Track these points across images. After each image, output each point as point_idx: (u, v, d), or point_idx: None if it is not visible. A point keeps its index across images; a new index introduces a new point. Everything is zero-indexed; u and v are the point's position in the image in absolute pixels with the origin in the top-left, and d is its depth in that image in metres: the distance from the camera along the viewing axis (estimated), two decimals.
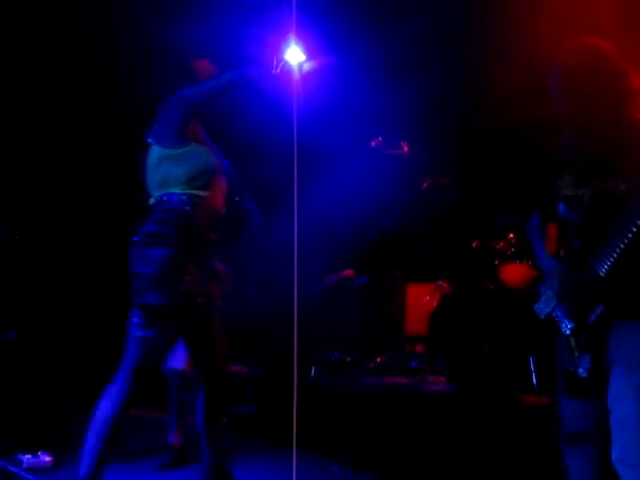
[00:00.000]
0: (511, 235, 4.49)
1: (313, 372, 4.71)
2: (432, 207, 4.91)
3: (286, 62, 2.63)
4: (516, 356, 4.01)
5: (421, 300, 4.86)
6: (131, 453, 3.68)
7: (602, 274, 1.93)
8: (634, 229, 1.86)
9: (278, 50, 2.63)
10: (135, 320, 2.51)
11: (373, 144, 4.47)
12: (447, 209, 4.96)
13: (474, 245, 4.66)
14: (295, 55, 2.64)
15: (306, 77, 2.66)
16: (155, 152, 2.60)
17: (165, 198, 2.53)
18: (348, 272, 4.99)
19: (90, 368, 4.67)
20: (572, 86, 1.99)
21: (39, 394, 4.60)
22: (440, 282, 4.79)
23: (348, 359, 4.78)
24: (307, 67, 2.69)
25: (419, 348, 4.97)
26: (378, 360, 4.76)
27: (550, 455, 2.64)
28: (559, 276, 2.08)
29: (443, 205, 4.92)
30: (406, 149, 4.58)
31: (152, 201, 2.59)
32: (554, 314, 2.11)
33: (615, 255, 1.90)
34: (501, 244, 4.48)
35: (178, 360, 3.59)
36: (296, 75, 2.63)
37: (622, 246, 1.89)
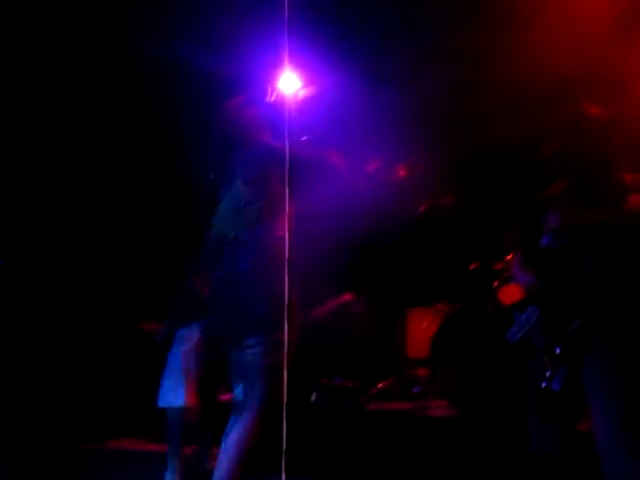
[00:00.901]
0: (509, 257, 4.49)
1: (314, 397, 4.67)
2: (430, 230, 4.93)
3: (280, 90, 2.67)
4: (518, 378, 3.98)
5: (422, 324, 4.84)
6: None
7: (579, 290, 2.08)
8: (606, 255, 2.07)
9: (272, 78, 2.68)
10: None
11: (370, 169, 4.50)
12: (445, 231, 4.97)
13: (473, 267, 4.67)
14: (290, 83, 2.69)
15: (301, 104, 2.70)
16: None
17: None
18: (347, 296, 4.98)
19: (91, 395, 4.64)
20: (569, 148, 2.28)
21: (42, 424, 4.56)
22: (440, 305, 4.78)
23: (350, 384, 4.75)
24: (302, 94, 2.73)
25: (421, 372, 4.94)
26: (380, 385, 4.73)
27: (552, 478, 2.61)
28: (543, 294, 2.19)
29: (441, 227, 4.93)
30: (403, 173, 4.61)
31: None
32: (529, 334, 2.20)
33: (592, 276, 2.07)
34: (500, 265, 4.49)
35: (178, 397, 3.55)
36: (290, 102, 2.67)
37: (597, 269, 2.07)
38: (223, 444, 2.40)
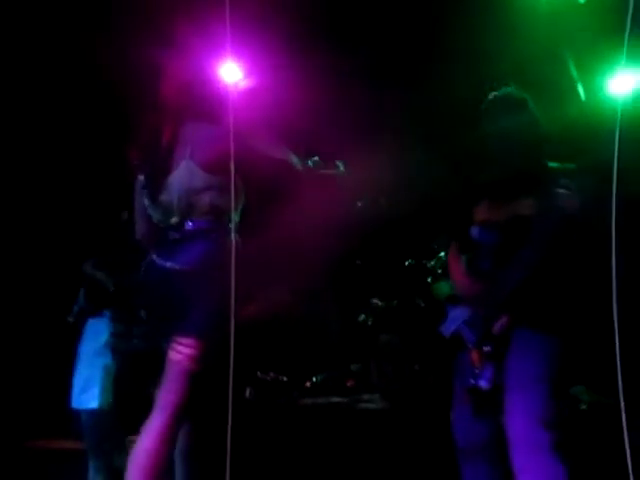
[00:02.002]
0: (442, 254, 4.60)
1: (248, 393, 4.64)
2: (366, 226, 4.97)
3: (221, 80, 2.61)
4: (449, 372, 4.08)
5: (356, 318, 4.90)
6: None
7: (509, 285, 2.11)
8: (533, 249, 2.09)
9: (213, 67, 2.62)
10: None
11: (309, 163, 4.49)
12: (381, 229, 5.04)
13: (406, 264, 4.76)
14: (231, 73, 2.63)
15: (242, 95, 2.65)
16: None
17: None
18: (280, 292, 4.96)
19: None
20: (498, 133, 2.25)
21: None
22: (375, 300, 4.85)
23: (284, 379, 4.75)
24: (243, 85, 2.68)
25: (354, 367, 5.00)
26: (314, 379, 4.75)
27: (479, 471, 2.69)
28: (472, 292, 2.22)
29: (377, 225, 4.99)
30: (342, 169, 4.63)
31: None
32: (460, 330, 2.22)
33: (520, 271, 2.10)
34: (433, 262, 4.59)
35: (91, 398, 3.28)
36: (232, 93, 2.61)
37: (525, 264, 2.10)
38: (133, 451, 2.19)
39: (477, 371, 2.12)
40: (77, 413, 3.40)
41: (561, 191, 2.12)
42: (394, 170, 4.77)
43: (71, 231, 4.74)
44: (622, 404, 1.62)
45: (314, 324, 5.11)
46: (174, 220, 2.30)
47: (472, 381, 2.13)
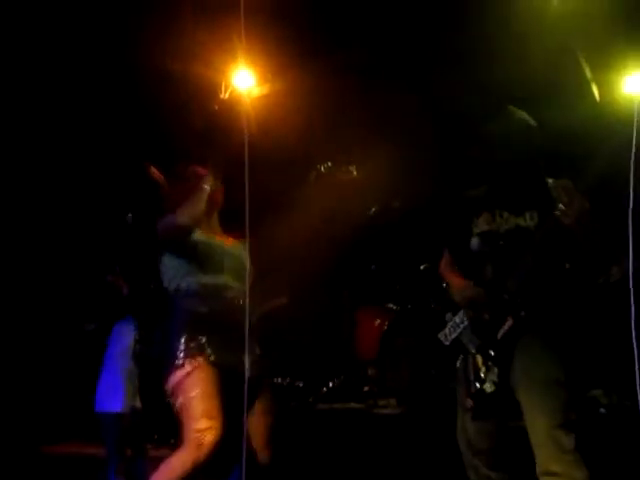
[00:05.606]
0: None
1: None
2: (381, 231, 4.97)
3: (235, 87, 2.63)
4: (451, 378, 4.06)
5: (372, 324, 4.88)
6: None
7: (511, 291, 2.14)
8: (535, 257, 2.13)
9: (226, 75, 2.64)
10: None
11: (322, 169, 4.51)
12: (396, 233, 5.03)
13: (422, 268, 4.74)
14: (244, 80, 2.65)
15: (256, 101, 2.67)
16: None
17: None
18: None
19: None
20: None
21: None
22: (390, 305, 4.83)
23: (300, 384, 4.74)
24: (256, 92, 2.70)
25: (370, 371, 4.98)
26: (330, 385, 4.74)
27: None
28: (474, 299, 2.24)
29: (392, 229, 4.99)
30: (355, 173, 4.64)
31: None
32: (461, 337, 2.25)
33: (521, 276, 2.13)
34: None
35: (113, 402, 3.38)
36: (245, 100, 2.63)
37: (526, 269, 2.14)
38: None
39: (482, 375, 2.13)
40: (99, 417, 3.43)
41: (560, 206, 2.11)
42: (407, 174, 4.79)
43: (85, 237, 4.78)
44: None
45: (328, 329, 5.11)
46: None
47: (477, 385, 2.13)
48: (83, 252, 4.77)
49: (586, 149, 2.60)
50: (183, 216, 2.41)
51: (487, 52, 3.88)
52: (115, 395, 3.39)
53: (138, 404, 3.47)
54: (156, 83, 4.08)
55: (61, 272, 4.95)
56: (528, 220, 2.22)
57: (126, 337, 3.50)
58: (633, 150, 1.70)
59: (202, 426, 2.23)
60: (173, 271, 2.49)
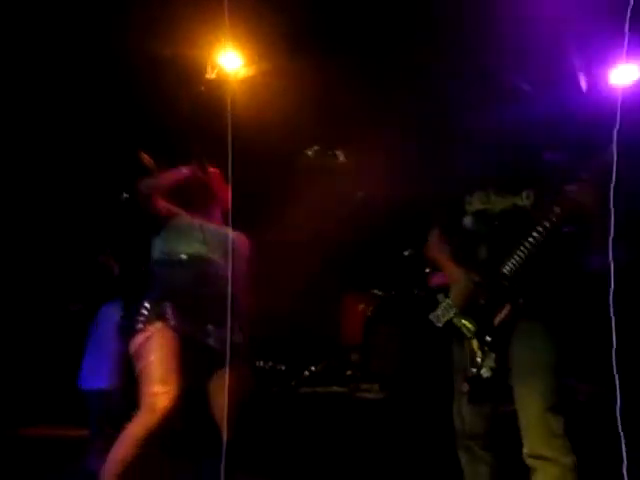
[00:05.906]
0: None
1: None
2: (366, 217, 4.97)
3: (221, 67, 2.61)
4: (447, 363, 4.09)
5: (356, 309, 4.89)
6: (46, 476, 3.36)
7: (509, 276, 2.10)
8: (534, 239, 2.09)
9: (212, 56, 2.61)
10: None
11: (309, 152, 4.49)
12: (380, 219, 5.03)
13: (406, 254, 4.75)
14: (231, 61, 2.63)
15: (242, 82, 2.65)
16: None
17: None
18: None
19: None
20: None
21: None
22: (375, 291, 4.84)
23: (282, 368, 4.75)
24: (243, 73, 2.67)
25: (354, 356, 5.00)
26: (312, 369, 4.76)
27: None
28: (468, 282, 2.21)
29: (377, 215, 4.98)
30: (342, 158, 4.62)
31: None
32: (454, 320, 2.21)
33: (520, 261, 2.10)
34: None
35: (101, 379, 3.38)
36: (232, 80, 2.61)
37: (525, 253, 2.10)
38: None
39: (479, 360, 2.12)
40: (83, 394, 3.42)
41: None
42: (393, 160, 4.77)
43: (75, 219, 4.74)
44: (618, 394, 1.62)
45: (312, 314, 5.12)
46: None
47: (474, 370, 2.13)
48: (73, 233, 4.74)
49: (571, 139, 2.60)
50: (143, 184, 2.52)
51: (478, 41, 3.86)
52: (100, 372, 3.39)
53: (121, 383, 3.46)
54: (143, 66, 4.03)
55: (49, 252, 4.91)
56: (524, 199, 2.17)
57: (114, 318, 3.49)
58: (614, 141, 1.69)
59: (156, 390, 2.26)
60: (154, 244, 2.56)
